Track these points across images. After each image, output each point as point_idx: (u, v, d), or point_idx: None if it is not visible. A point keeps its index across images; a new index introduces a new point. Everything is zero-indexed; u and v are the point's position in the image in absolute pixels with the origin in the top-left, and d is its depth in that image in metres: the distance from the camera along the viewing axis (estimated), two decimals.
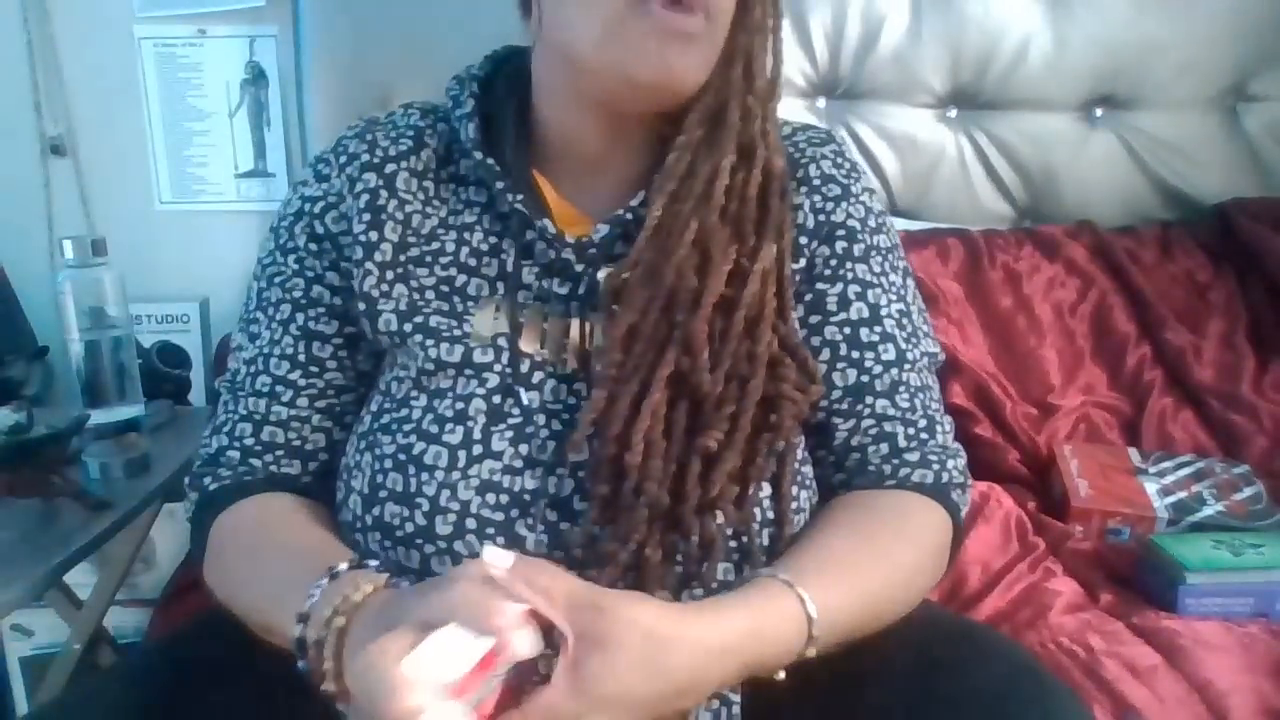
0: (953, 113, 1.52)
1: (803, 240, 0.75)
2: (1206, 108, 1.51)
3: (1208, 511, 1.11)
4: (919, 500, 0.70)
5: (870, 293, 0.74)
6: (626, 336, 0.65)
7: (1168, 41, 1.47)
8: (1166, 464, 1.22)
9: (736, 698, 0.64)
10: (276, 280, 0.76)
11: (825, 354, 0.73)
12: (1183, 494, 1.14)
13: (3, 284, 1.39)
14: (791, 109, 1.47)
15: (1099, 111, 1.52)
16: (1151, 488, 1.16)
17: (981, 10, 1.45)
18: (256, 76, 1.49)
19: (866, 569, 0.64)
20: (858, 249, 0.75)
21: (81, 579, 1.29)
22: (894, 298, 0.76)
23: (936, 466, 0.72)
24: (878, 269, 0.76)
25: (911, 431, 0.73)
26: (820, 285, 0.75)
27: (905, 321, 0.76)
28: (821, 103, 1.51)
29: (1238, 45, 1.48)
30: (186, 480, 0.76)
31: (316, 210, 0.75)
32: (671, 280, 0.65)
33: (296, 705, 0.58)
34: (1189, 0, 1.46)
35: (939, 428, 0.75)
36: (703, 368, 0.64)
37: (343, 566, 0.59)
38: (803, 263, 0.75)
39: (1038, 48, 1.46)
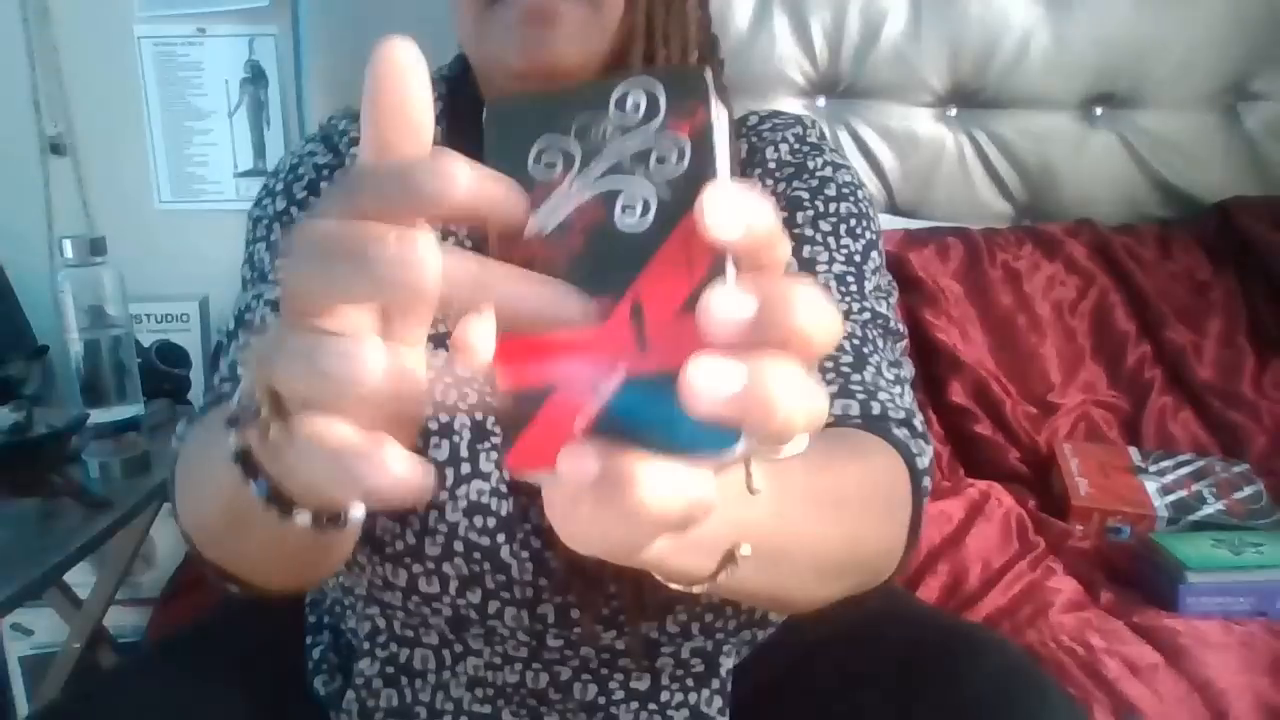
0: (952, 111, 1.51)
1: None
2: (1206, 106, 1.51)
3: (1208, 510, 1.11)
4: (849, 430, 0.59)
5: (806, 249, 0.68)
6: None
7: (1168, 40, 1.47)
8: (1166, 462, 1.22)
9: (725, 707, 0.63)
10: (285, 224, 0.71)
11: None
12: (1183, 492, 1.14)
13: (2, 283, 1.39)
14: (791, 108, 1.47)
15: (1099, 110, 1.51)
16: (1151, 486, 1.16)
17: (981, 8, 1.44)
18: (256, 76, 1.48)
19: (815, 465, 0.46)
20: (800, 216, 0.70)
21: (81, 578, 1.29)
22: (840, 259, 0.69)
23: (862, 396, 0.61)
24: (826, 229, 0.70)
25: (829, 364, 0.63)
26: None
27: (850, 282, 0.68)
28: (821, 101, 1.51)
29: (1238, 44, 1.48)
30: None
31: (332, 177, 0.72)
32: None
33: (295, 707, 0.58)
34: None
35: (869, 367, 0.64)
36: None
37: None
38: None
39: (1038, 46, 1.46)
